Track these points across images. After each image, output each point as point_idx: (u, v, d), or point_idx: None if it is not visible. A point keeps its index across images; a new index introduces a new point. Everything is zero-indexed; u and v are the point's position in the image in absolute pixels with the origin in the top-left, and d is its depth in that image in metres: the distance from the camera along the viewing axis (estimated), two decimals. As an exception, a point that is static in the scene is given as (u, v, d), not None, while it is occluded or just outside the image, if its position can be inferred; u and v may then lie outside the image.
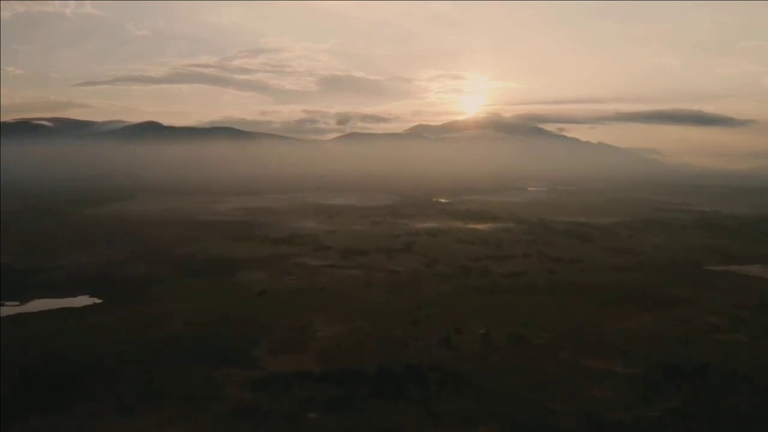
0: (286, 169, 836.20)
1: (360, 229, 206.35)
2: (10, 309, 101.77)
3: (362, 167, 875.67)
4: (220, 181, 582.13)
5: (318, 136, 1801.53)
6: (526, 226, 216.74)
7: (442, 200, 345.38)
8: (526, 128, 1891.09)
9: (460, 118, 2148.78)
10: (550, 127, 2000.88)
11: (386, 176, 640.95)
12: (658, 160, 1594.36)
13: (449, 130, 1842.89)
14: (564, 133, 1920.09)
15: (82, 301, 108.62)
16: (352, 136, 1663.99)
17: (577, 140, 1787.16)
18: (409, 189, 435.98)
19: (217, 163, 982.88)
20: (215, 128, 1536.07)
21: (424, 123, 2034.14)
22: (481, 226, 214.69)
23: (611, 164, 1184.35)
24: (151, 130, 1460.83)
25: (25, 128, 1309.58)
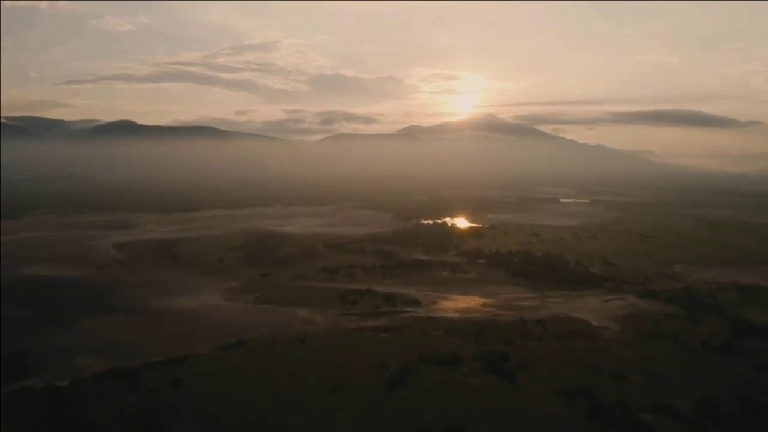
0: (262, 172, 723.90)
1: (303, 330, 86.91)
2: None
3: (348, 170, 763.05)
4: (171, 186, 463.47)
5: (303, 137, 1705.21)
6: (682, 311, 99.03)
7: (459, 225, 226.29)
8: (522, 129, 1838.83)
9: (454, 119, 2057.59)
10: (546, 128, 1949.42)
11: (376, 182, 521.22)
12: (658, 162, 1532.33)
13: (443, 132, 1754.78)
14: (561, 135, 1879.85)
15: None
16: (341, 136, 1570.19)
17: (574, 142, 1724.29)
18: (405, 203, 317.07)
19: (187, 164, 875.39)
20: (193, 128, 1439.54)
21: (416, 124, 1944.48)
22: (584, 315, 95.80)
23: (611, 166, 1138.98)
24: (123, 129, 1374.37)
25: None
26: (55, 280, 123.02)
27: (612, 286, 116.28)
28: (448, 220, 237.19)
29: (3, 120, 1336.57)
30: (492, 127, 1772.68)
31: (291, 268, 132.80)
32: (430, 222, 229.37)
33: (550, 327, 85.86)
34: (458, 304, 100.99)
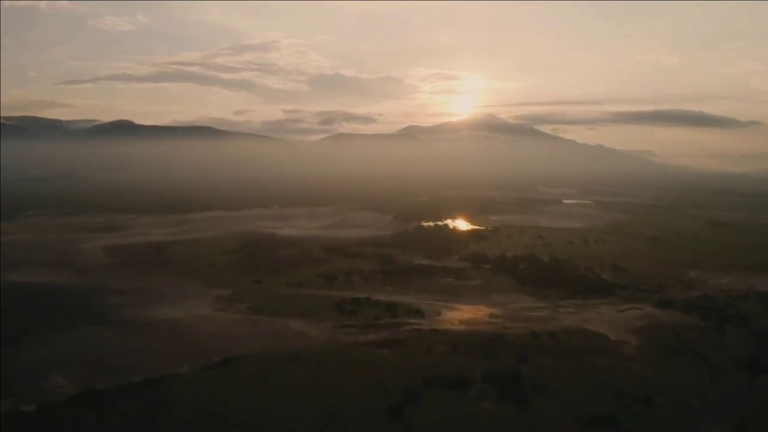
0: (261, 172, 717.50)
1: (297, 345, 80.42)
2: None
3: (348, 170, 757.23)
4: (170, 187, 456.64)
5: (302, 137, 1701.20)
6: (702, 322, 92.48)
7: (461, 227, 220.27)
8: (522, 129, 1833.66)
9: (454, 119, 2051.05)
10: (546, 128, 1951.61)
11: (375, 182, 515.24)
12: (658, 162, 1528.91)
13: (442, 132, 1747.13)
14: (560, 135, 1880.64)
15: None
16: (340, 136, 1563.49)
17: (574, 142, 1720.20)
18: (405, 204, 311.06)
19: (186, 164, 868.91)
20: (192, 127, 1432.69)
21: (415, 124, 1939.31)
22: (600, 327, 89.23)
23: (611, 167, 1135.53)
24: (122, 129, 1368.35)
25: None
26: (36, 286, 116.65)
27: (625, 293, 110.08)
28: (450, 222, 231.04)
29: (2, 120, 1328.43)
30: (491, 127, 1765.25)
31: (286, 274, 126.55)
32: (431, 224, 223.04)
33: (564, 341, 79.50)
34: (464, 314, 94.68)
